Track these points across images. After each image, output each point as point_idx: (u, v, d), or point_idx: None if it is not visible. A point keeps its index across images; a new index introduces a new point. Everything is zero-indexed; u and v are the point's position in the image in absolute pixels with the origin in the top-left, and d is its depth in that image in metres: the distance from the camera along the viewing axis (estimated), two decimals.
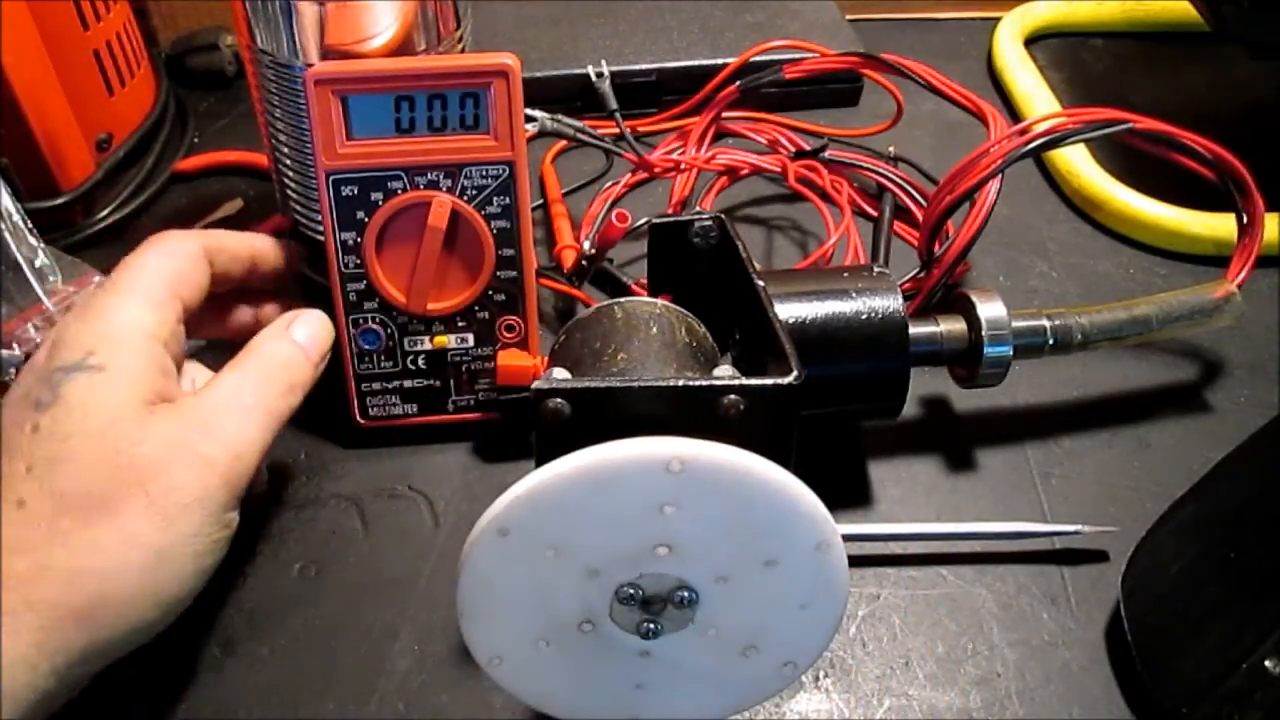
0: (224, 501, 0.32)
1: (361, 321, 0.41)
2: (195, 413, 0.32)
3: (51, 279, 0.45)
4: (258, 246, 0.40)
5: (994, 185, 0.43)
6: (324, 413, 0.43)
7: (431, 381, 0.42)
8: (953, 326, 0.41)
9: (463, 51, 0.43)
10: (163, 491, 0.30)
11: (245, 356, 0.35)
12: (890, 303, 0.39)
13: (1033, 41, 0.70)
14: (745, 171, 0.57)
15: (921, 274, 0.47)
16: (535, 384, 0.30)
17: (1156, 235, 0.54)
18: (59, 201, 0.52)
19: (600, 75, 0.56)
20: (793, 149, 0.57)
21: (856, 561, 0.38)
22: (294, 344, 0.36)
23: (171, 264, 0.35)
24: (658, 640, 0.28)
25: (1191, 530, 0.37)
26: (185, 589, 0.31)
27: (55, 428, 0.30)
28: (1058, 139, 0.43)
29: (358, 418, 0.43)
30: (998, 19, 0.70)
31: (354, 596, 0.38)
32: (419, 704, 0.35)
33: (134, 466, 0.30)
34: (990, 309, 0.40)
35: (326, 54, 0.39)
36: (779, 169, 0.55)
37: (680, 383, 0.30)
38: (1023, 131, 0.44)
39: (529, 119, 0.46)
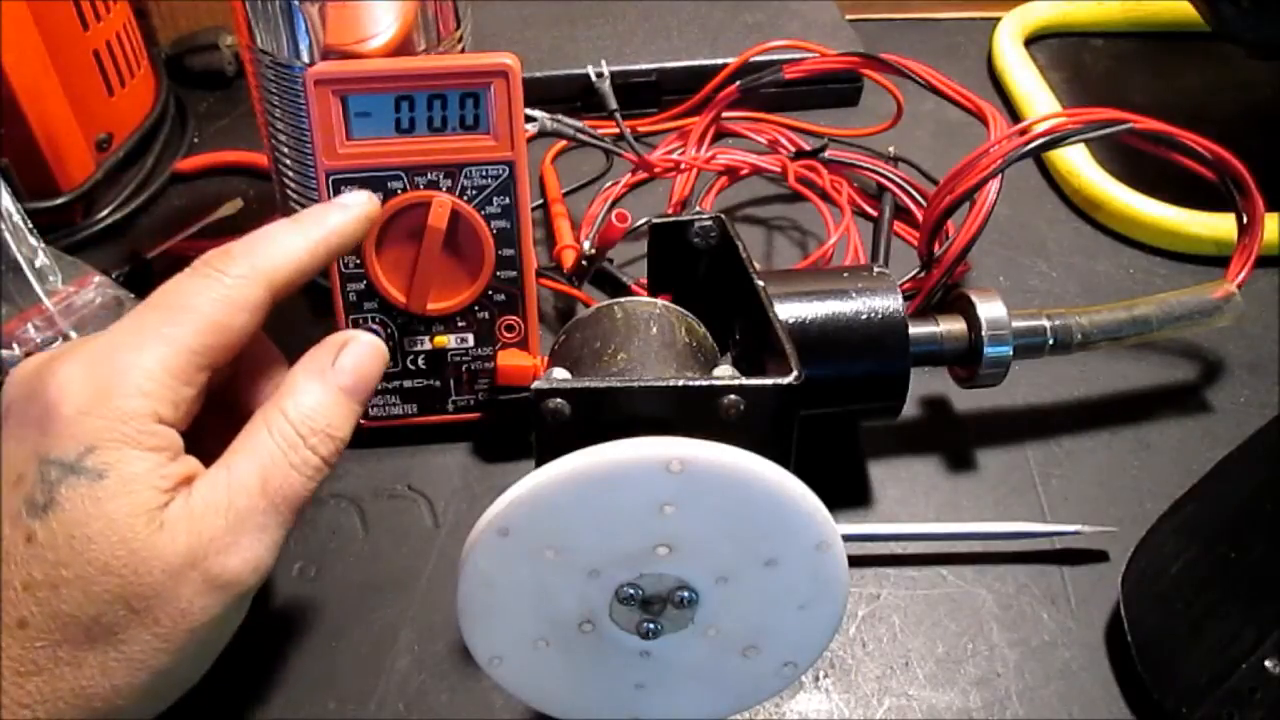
0: (235, 617, 0.30)
1: (361, 321, 0.41)
2: (211, 522, 0.28)
3: (51, 279, 0.45)
4: (334, 234, 0.34)
5: (994, 185, 0.43)
6: None
7: (431, 381, 0.42)
8: (953, 326, 0.41)
9: (463, 51, 0.43)
10: (171, 619, 0.28)
11: (271, 422, 0.30)
12: (890, 303, 0.39)
13: (1033, 41, 0.70)
14: (745, 171, 0.57)
15: (921, 274, 0.47)
16: (535, 384, 0.30)
17: (1156, 235, 0.54)
18: (59, 201, 0.52)
19: (600, 75, 0.56)
20: (793, 149, 0.57)
21: (856, 561, 0.38)
22: (329, 402, 0.31)
23: (222, 317, 0.30)
24: (658, 640, 0.28)
25: (1191, 530, 0.37)
26: (191, 684, 0.30)
27: (54, 549, 0.27)
28: (1058, 139, 0.43)
29: None
30: (998, 19, 0.70)
31: (354, 596, 0.38)
32: (419, 704, 0.35)
33: (140, 596, 0.27)
34: (990, 309, 0.40)
35: (326, 54, 0.39)
36: (779, 169, 0.55)
37: (680, 383, 0.30)
38: (1023, 131, 0.44)
39: (529, 119, 0.46)
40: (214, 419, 0.32)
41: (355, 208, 0.35)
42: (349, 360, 0.32)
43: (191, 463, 0.30)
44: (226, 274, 0.31)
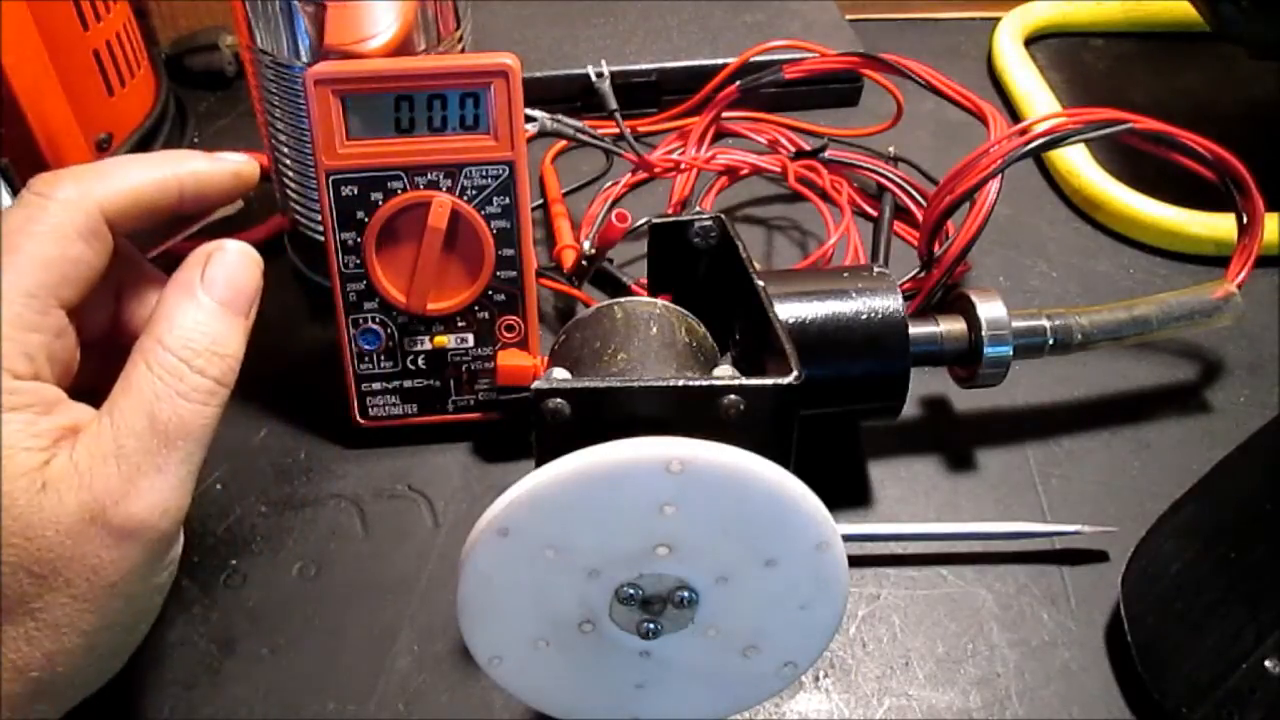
0: (153, 564, 0.28)
1: (361, 321, 0.41)
2: (101, 472, 0.27)
3: None
4: (188, 175, 0.32)
5: (994, 185, 0.43)
6: (324, 413, 0.43)
7: (431, 381, 0.42)
8: (953, 326, 0.41)
9: (463, 51, 0.43)
10: (84, 578, 0.26)
11: (148, 354, 0.28)
12: (890, 303, 0.39)
13: (1033, 41, 0.70)
14: (745, 171, 0.57)
15: (921, 274, 0.47)
16: (535, 384, 0.30)
17: (1156, 235, 0.54)
18: None
19: (600, 75, 0.56)
20: (793, 149, 0.57)
21: (856, 561, 0.38)
22: (205, 318, 0.29)
23: (52, 250, 0.28)
24: (658, 640, 0.28)
25: (1191, 530, 0.37)
26: (132, 644, 0.29)
27: None
28: (1058, 139, 0.43)
29: (358, 418, 0.43)
30: (998, 19, 0.70)
31: (354, 596, 0.38)
32: (419, 704, 0.35)
33: (41, 561, 0.26)
34: (990, 309, 0.40)
35: (326, 54, 0.39)
36: (779, 169, 0.55)
37: (680, 383, 0.30)
38: (1023, 131, 0.44)
39: (529, 119, 0.46)
40: (112, 363, 0.30)
41: (228, 162, 0.33)
42: (218, 271, 0.30)
43: (75, 412, 0.28)
44: (52, 199, 0.28)
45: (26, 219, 0.28)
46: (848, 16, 0.67)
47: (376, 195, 0.39)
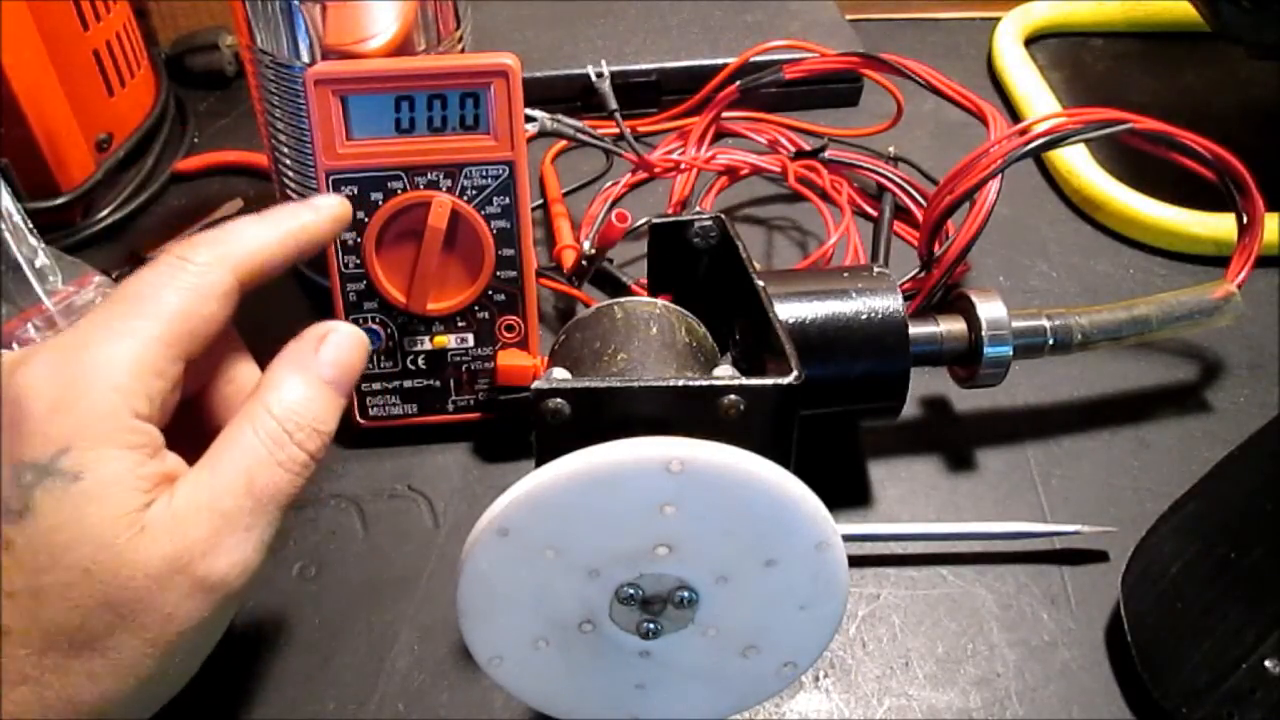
0: (220, 618, 0.29)
1: (361, 321, 0.41)
2: (195, 524, 0.27)
3: (51, 279, 0.45)
4: (300, 230, 0.33)
5: (994, 185, 0.43)
6: None
7: (431, 381, 0.42)
8: (953, 326, 0.41)
9: (463, 51, 0.43)
10: (157, 624, 0.27)
11: (254, 419, 0.29)
12: (890, 303, 0.39)
13: (1033, 41, 0.70)
14: (745, 171, 0.57)
15: (921, 274, 0.47)
16: (535, 384, 0.30)
17: (1156, 235, 0.54)
18: (59, 201, 0.52)
19: (600, 75, 0.56)
20: (793, 149, 0.57)
21: (856, 561, 0.38)
22: (314, 395, 0.30)
23: (190, 305, 0.29)
24: (658, 640, 0.28)
25: (1191, 530, 0.37)
26: (172, 693, 0.30)
27: (34, 556, 0.26)
28: (1058, 139, 0.43)
29: (358, 418, 0.43)
30: (998, 19, 0.70)
31: (354, 596, 0.38)
32: (419, 704, 0.35)
33: (124, 602, 0.27)
34: (990, 309, 0.40)
35: (326, 54, 0.39)
36: (779, 169, 0.55)
37: (680, 383, 0.30)
38: (1023, 131, 0.44)
39: (529, 119, 0.46)
40: (186, 419, 0.31)
41: (326, 209, 0.34)
42: (331, 352, 0.31)
43: (173, 460, 0.29)
44: (192, 261, 0.30)
45: (170, 276, 0.29)
46: (848, 16, 0.67)
47: (376, 195, 0.39)
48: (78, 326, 0.29)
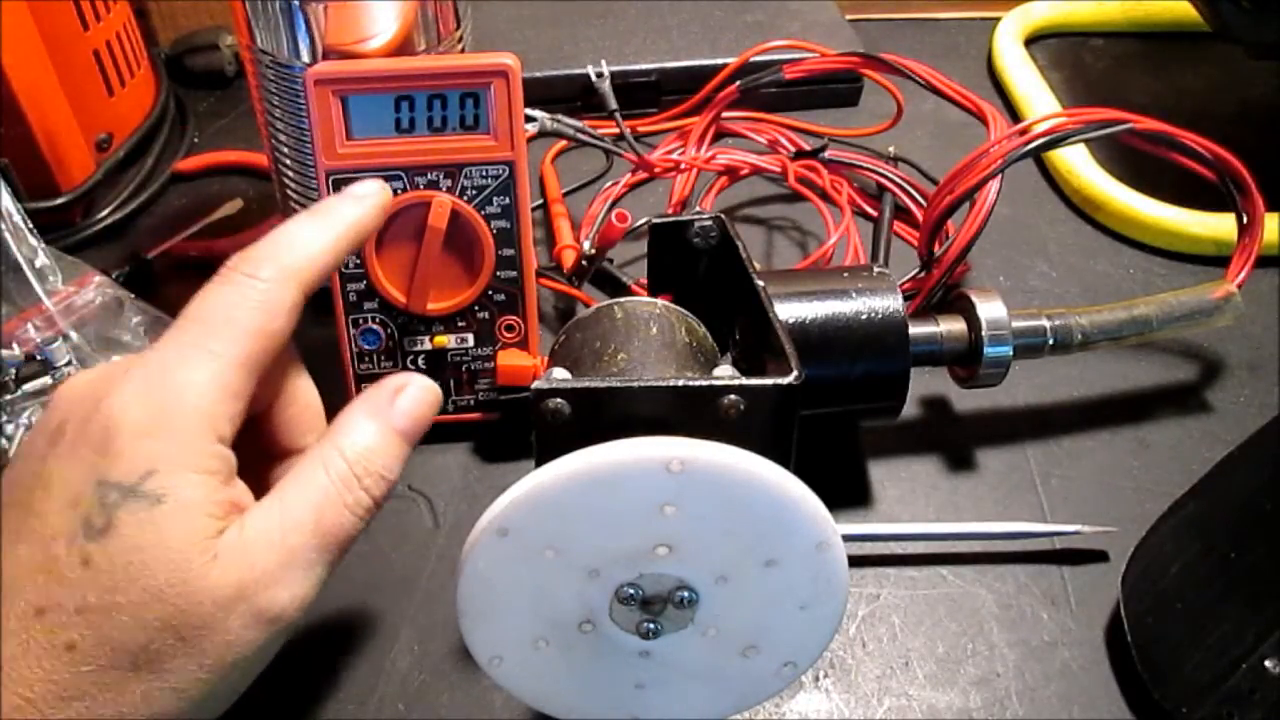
0: (272, 649, 0.29)
1: (361, 321, 0.41)
2: (263, 555, 0.28)
3: (51, 279, 0.45)
4: (350, 229, 0.33)
5: (994, 185, 0.43)
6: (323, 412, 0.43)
7: None
8: (953, 326, 0.41)
9: (463, 51, 0.43)
10: (216, 650, 0.27)
11: (327, 460, 0.30)
12: (890, 303, 0.39)
13: (1033, 41, 0.70)
14: (745, 171, 0.57)
15: (921, 274, 0.47)
16: (535, 384, 0.30)
17: (1156, 235, 0.54)
18: (59, 201, 0.52)
19: (600, 75, 0.56)
20: (793, 149, 0.57)
21: (856, 561, 0.38)
22: (385, 443, 0.31)
23: (262, 323, 0.29)
24: (658, 640, 0.28)
25: (1191, 530, 0.37)
26: (221, 711, 0.30)
27: (111, 573, 0.27)
28: (1058, 139, 0.43)
29: None
30: (998, 19, 0.70)
31: (354, 596, 0.38)
32: (419, 704, 0.35)
33: (190, 626, 0.27)
34: (990, 309, 0.40)
35: (326, 54, 0.39)
36: (779, 169, 0.55)
37: (680, 383, 0.30)
38: (1023, 131, 0.44)
39: (529, 119, 0.46)
40: (244, 437, 0.31)
41: (369, 198, 0.34)
42: (407, 403, 0.32)
43: (241, 488, 0.29)
44: (258, 278, 0.30)
45: (240, 295, 0.30)
46: (848, 16, 0.67)
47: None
48: (157, 348, 0.29)
